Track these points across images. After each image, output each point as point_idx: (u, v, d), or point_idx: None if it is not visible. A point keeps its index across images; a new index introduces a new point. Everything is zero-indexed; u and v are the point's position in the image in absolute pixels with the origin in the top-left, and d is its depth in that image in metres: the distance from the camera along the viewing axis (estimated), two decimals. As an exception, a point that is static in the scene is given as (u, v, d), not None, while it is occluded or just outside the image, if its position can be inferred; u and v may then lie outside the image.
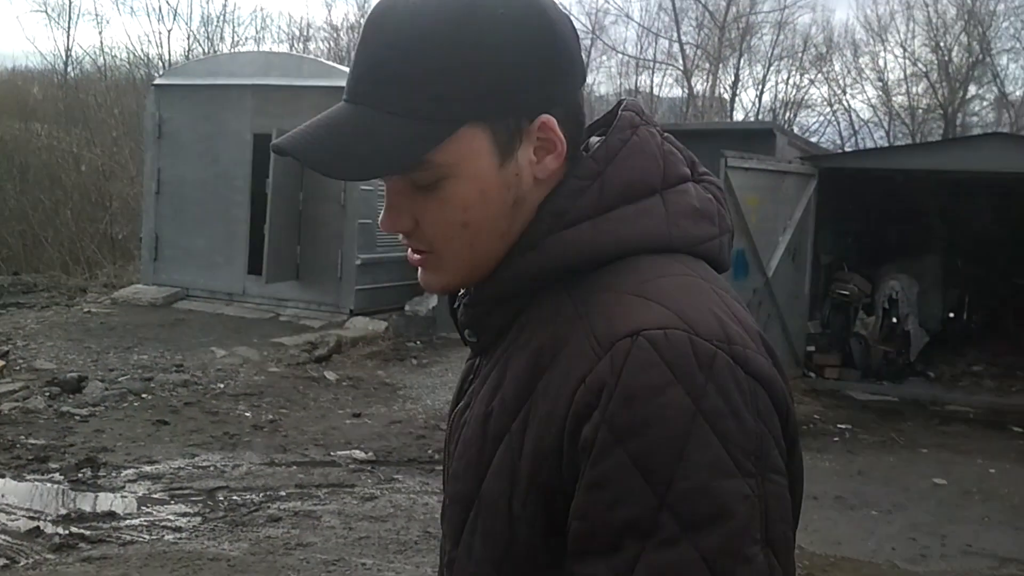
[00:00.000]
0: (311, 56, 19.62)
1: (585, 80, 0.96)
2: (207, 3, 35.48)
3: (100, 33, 40.57)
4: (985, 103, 24.68)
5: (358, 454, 6.32)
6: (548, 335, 0.87)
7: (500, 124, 0.87)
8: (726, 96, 24.93)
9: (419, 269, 0.97)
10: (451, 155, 0.86)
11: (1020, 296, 11.47)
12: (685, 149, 0.98)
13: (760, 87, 25.88)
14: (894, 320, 10.10)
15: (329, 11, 44.17)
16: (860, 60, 25.00)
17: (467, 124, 0.86)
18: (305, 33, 29.28)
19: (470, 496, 0.92)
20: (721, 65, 24.85)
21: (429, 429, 7.10)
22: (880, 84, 24.43)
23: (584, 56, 0.99)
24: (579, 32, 0.98)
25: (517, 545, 0.87)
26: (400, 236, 0.95)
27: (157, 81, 12.62)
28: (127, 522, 4.88)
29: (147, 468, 5.76)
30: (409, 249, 0.96)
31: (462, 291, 1.00)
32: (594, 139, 0.98)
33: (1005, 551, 5.31)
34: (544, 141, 0.90)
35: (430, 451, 6.51)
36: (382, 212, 0.93)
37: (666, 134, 0.97)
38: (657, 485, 0.77)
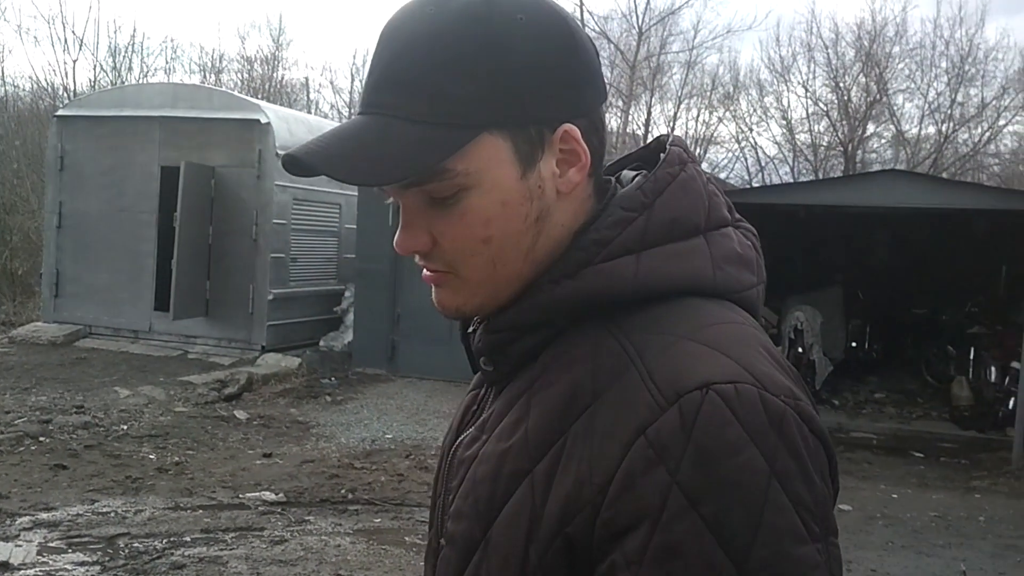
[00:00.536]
0: (221, 88, 19.33)
1: (606, 97, 0.92)
2: (115, 33, 34.68)
3: (2, 63, 39.22)
4: (883, 141, 25.80)
5: (268, 496, 6.15)
6: (587, 372, 0.81)
7: (521, 133, 0.84)
8: (639, 133, 25.48)
9: (433, 288, 0.91)
10: (471, 163, 0.82)
11: (918, 324, 11.96)
12: (723, 192, 0.94)
13: (671, 124, 26.52)
14: (799, 350, 10.40)
15: (243, 43, 43.62)
16: (765, 99, 25.89)
17: (487, 131, 0.82)
18: (217, 65, 28.86)
19: (475, 538, 0.85)
20: (633, 103, 25.42)
21: (343, 468, 6.98)
22: (784, 122, 25.31)
23: None
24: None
25: None
26: (416, 258, 0.89)
27: (60, 112, 12.28)
28: (22, 572, 4.64)
29: (44, 515, 5.50)
30: (424, 269, 0.90)
31: (478, 316, 0.94)
32: (628, 172, 0.95)
33: (909, 575, 5.47)
34: (567, 153, 0.86)
35: (343, 491, 6.38)
36: (397, 233, 0.88)
37: (708, 175, 0.93)
38: (735, 553, 0.71)
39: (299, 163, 0.80)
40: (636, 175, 0.92)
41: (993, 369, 9.82)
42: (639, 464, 0.74)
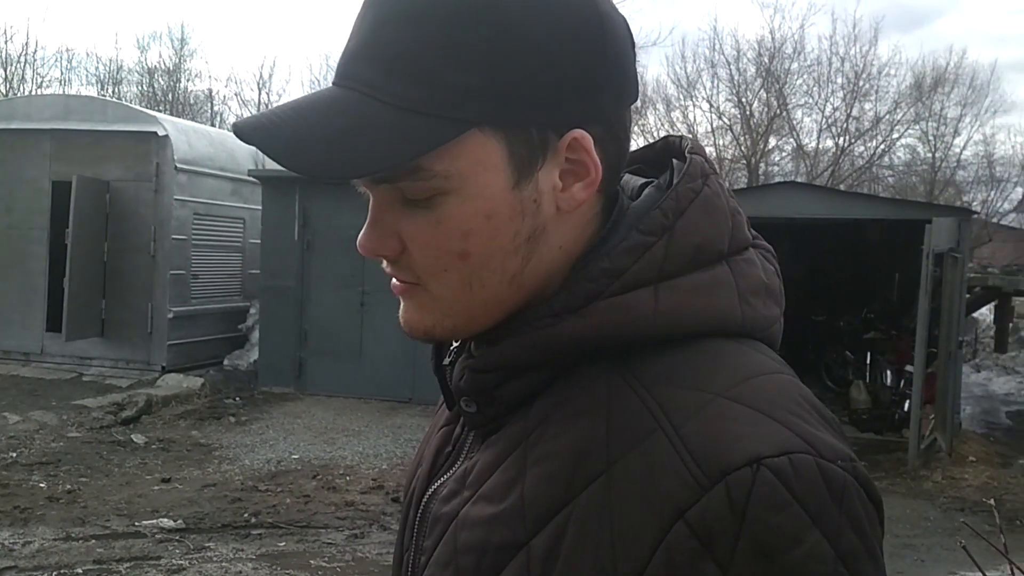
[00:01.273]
0: (115, 100, 18.72)
1: (637, 96, 0.77)
2: (6, 43, 33.29)
3: None
4: (784, 154, 26.67)
5: (166, 523, 5.92)
6: (598, 430, 0.68)
7: (520, 134, 0.70)
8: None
9: (400, 304, 0.77)
10: (453, 164, 0.69)
11: (817, 330, 12.33)
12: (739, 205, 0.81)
13: (580, 137, 26.87)
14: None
15: (143, 53, 42.37)
16: (672, 114, 26.42)
17: (478, 128, 0.68)
18: (116, 76, 28.01)
19: None
20: (543, 115, 25.67)
21: (246, 491, 6.77)
22: (690, 136, 25.87)
23: None
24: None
25: None
26: (384, 264, 0.76)
27: (-58, 125, 11.68)
28: None
29: (-80, 552, 5.18)
30: (392, 278, 0.77)
31: (455, 344, 0.81)
32: (633, 178, 0.82)
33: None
34: (574, 163, 0.72)
35: (246, 514, 6.19)
36: (362, 230, 0.74)
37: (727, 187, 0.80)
38: None
39: (244, 136, 0.68)
40: (644, 184, 0.80)
41: (889, 373, 10.18)
42: (682, 556, 0.62)
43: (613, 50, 0.72)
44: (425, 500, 0.82)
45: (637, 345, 0.71)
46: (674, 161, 0.79)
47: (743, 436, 0.64)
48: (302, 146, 0.67)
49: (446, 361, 0.82)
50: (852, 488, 0.64)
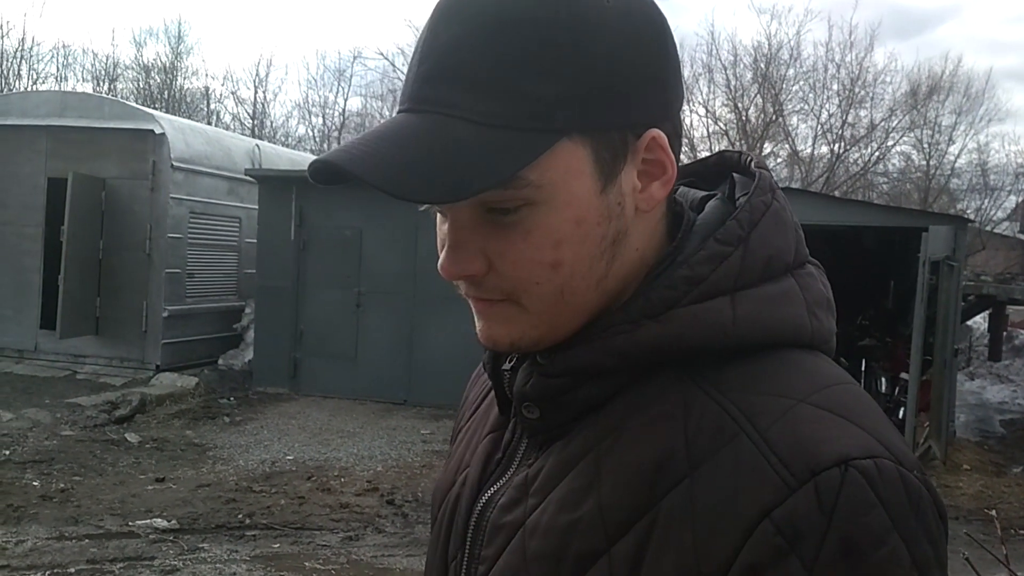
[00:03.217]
0: (112, 97, 18.67)
1: (684, 99, 0.80)
2: (2, 38, 33.18)
3: None
4: (779, 160, 26.70)
5: (159, 523, 5.89)
6: (678, 435, 0.68)
7: (603, 138, 0.70)
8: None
9: (479, 319, 0.77)
10: (545, 174, 0.69)
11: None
12: None
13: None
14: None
15: (139, 50, 42.21)
16: (668, 117, 26.45)
17: (567, 136, 0.69)
18: (112, 73, 27.95)
19: None
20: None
21: (240, 492, 6.75)
22: (686, 141, 25.93)
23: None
24: None
25: None
26: (460, 285, 0.75)
27: (-63, 120, 11.63)
28: None
29: (-88, 550, 5.14)
30: (469, 295, 0.76)
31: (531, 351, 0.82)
32: (692, 191, 0.83)
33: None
34: (651, 163, 0.73)
35: (240, 515, 6.16)
36: (443, 254, 0.73)
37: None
38: None
39: (336, 171, 0.66)
40: (705, 196, 0.81)
41: (884, 380, 10.20)
42: (766, 553, 0.62)
43: (674, 51, 0.75)
44: (480, 508, 0.80)
45: (709, 353, 0.72)
46: (735, 175, 0.81)
47: (829, 439, 0.65)
48: (401, 172, 0.66)
49: (506, 366, 0.82)
50: (927, 499, 0.65)
